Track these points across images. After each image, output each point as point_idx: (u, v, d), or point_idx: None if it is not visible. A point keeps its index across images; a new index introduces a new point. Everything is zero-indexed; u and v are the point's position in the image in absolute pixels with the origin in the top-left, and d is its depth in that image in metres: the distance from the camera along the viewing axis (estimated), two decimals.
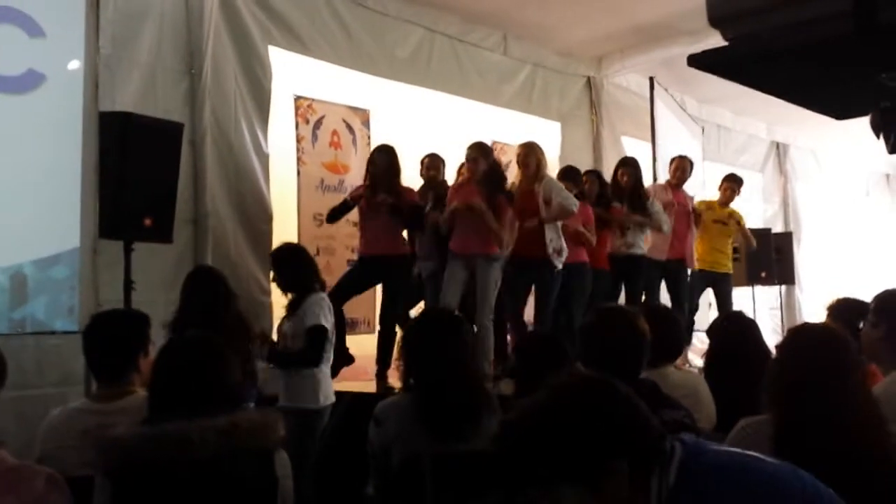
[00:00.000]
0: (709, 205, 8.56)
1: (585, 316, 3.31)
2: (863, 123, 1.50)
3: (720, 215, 8.53)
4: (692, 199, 8.20)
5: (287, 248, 5.35)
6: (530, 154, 6.47)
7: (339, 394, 5.56)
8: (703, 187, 9.93)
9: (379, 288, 6.50)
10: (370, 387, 5.97)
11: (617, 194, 7.45)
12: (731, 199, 8.60)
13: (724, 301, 8.31)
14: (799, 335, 2.63)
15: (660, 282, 7.76)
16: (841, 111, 1.42)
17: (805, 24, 1.05)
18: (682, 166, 8.04)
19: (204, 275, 4.95)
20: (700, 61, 1.19)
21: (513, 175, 6.75)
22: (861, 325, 3.13)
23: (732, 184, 8.61)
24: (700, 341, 7.65)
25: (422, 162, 6.84)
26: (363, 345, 6.44)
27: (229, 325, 4.49)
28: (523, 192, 6.35)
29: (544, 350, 3.52)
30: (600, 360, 2.92)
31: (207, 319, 4.33)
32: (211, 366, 2.48)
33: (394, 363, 5.87)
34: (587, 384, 1.65)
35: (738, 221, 8.61)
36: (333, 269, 6.94)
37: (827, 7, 1.03)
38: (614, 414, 1.56)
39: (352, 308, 6.57)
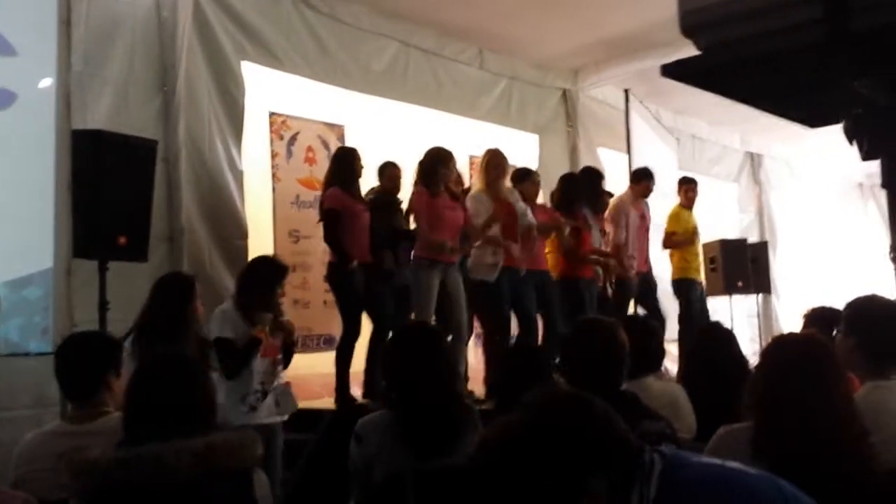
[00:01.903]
0: (678, 214, 8.63)
1: (566, 328, 3.31)
2: (835, 133, 1.50)
3: (690, 219, 8.69)
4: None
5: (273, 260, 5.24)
6: (506, 161, 6.48)
7: (319, 412, 5.55)
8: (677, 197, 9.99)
9: None
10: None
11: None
12: (693, 200, 8.75)
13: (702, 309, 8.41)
14: (781, 343, 2.63)
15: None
16: (813, 119, 1.42)
17: (777, 33, 1.05)
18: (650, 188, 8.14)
19: (170, 281, 4.69)
20: (673, 71, 1.19)
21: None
22: (834, 333, 3.14)
23: (691, 185, 8.79)
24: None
25: (392, 173, 6.63)
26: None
27: (192, 334, 4.39)
28: (502, 201, 6.32)
29: (526, 363, 3.51)
30: (581, 372, 2.93)
31: (171, 326, 4.24)
32: (186, 387, 2.45)
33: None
34: (562, 401, 1.63)
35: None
36: (310, 285, 6.92)
37: (799, 15, 1.03)
38: (591, 431, 1.54)
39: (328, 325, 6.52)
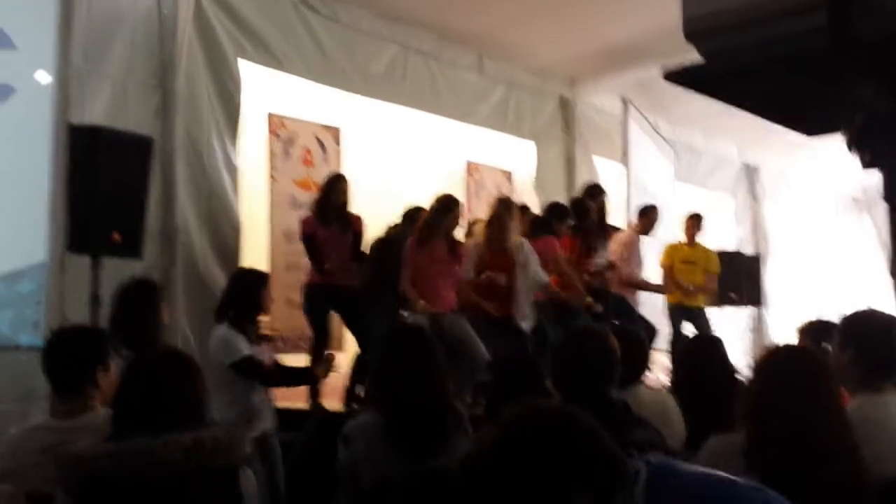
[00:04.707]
0: (675, 247, 8.71)
1: (558, 336, 3.29)
2: (831, 147, 1.50)
3: (688, 255, 8.68)
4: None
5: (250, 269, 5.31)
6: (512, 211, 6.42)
7: (306, 412, 5.54)
8: (674, 207, 9.99)
9: None
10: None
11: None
12: (693, 235, 8.75)
13: (703, 332, 8.38)
14: (775, 356, 2.63)
15: None
16: (814, 127, 1.42)
17: (781, 40, 1.05)
18: (652, 218, 8.22)
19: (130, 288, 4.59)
20: (676, 77, 1.19)
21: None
22: (828, 346, 3.15)
23: (692, 221, 8.79)
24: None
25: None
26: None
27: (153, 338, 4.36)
28: (495, 250, 6.26)
29: (517, 369, 3.50)
30: (572, 380, 2.92)
31: (132, 333, 4.21)
32: (178, 382, 2.44)
33: None
34: (543, 415, 1.61)
35: (707, 264, 8.77)
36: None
37: (803, 23, 1.02)
38: (572, 445, 1.52)
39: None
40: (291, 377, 5.11)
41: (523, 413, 1.60)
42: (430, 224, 6.07)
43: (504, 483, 1.49)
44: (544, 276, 6.32)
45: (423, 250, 5.98)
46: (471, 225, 7.43)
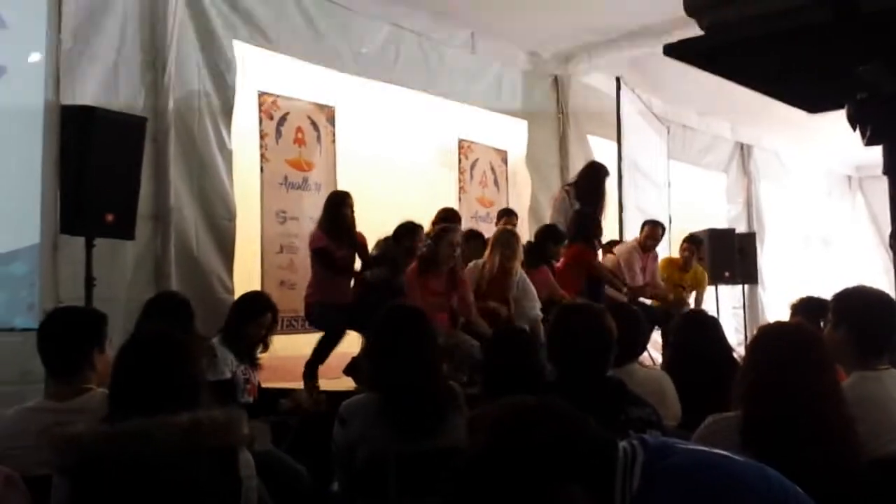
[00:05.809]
0: (672, 263, 8.69)
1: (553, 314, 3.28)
2: (826, 126, 1.49)
3: (679, 280, 8.64)
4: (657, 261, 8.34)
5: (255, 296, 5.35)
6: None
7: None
8: (667, 186, 9.99)
9: None
10: (333, 385, 5.95)
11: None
12: (690, 261, 8.70)
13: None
14: (770, 332, 2.64)
15: None
16: (814, 104, 1.41)
17: (783, 13, 1.04)
18: (653, 234, 8.20)
19: (165, 300, 4.83)
20: (676, 50, 1.17)
21: None
22: (822, 324, 3.16)
23: (690, 245, 8.72)
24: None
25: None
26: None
27: None
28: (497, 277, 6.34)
29: (513, 347, 3.51)
30: (567, 357, 2.92)
31: None
32: (174, 363, 2.44)
33: None
34: (523, 415, 1.57)
35: (697, 286, 8.78)
36: (297, 267, 6.89)
37: None
38: (555, 440, 1.51)
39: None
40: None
41: (503, 415, 1.58)
42: (428, 258, 6.09)
43: (497, 488, 1.49)
44: (539, 312, 6.36)
45: (422, 282, 6.03)
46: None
